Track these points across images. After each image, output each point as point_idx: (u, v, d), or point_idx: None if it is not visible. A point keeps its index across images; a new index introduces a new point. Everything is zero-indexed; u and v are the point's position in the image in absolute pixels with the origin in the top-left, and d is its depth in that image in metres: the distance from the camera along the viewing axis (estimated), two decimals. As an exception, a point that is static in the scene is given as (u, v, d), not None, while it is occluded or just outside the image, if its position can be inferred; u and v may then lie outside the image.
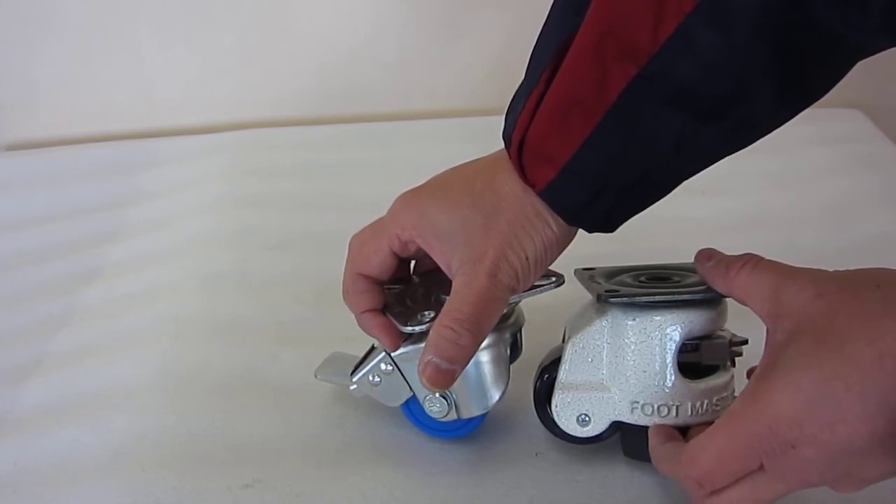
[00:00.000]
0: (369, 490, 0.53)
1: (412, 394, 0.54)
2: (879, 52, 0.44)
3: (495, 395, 0.53)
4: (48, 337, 0.67)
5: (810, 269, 0.43)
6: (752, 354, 0.47)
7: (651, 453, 0.49)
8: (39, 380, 0.63)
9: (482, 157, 0.50)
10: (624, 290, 0.50)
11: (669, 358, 0.49)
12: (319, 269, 0.72)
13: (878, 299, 0.39)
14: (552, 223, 0.47)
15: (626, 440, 0.53)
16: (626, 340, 0.50)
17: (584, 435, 0.52)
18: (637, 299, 0.49)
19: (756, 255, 0.46)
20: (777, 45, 0.41)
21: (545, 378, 0.53)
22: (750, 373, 0.47)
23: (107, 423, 0.58)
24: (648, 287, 0.51)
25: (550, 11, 0.47)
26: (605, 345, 0.51)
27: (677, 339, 0.49)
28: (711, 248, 0.49)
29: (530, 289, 0.51)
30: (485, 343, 0.50)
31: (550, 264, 0.50)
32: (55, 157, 0.94)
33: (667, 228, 0.77)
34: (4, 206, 0.86)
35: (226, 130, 0.97)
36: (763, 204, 0.83)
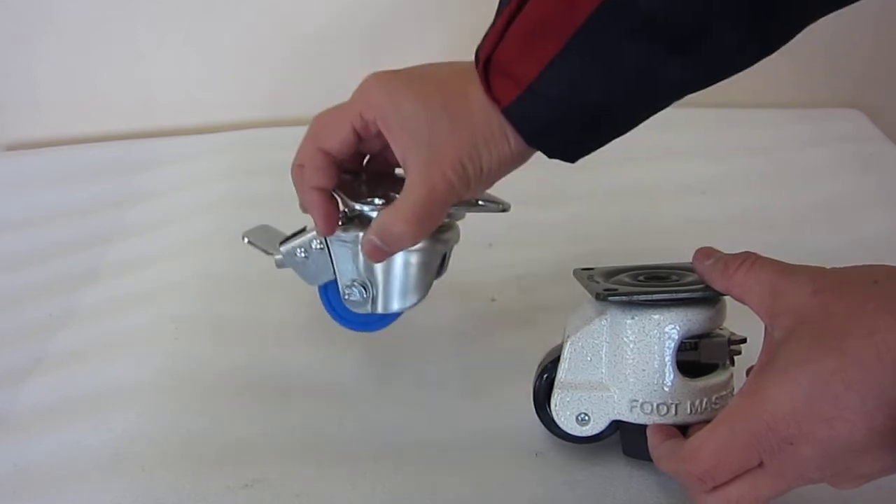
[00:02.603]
0: (369, 490, 0.53)
1: (334, 278, 0.55)
2: (842, 6, 0.44)
3: (413, 299, 0.55)
4: (48, 337, 0.67)
5: (808, 266, 0.44)
6: (752, 353, 0.47)
7: (651, 452, 0.49)
8: (39, 380, 0.63)
9: (461, 62, 0.51)
10: (622, 288, 0.50)
11: (668, 356, 0.49)
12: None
13: (877, 295, 0.39)
14: (511, 140, 0.48)
15: (626, 439, 0.53)
16: (624, 339, 0.50)
17: (584, 434, 0.52)
18: (635, 298, 0.49)
19: (754, 254, 0.46)
20: None
21: (545, 378, 0.53)
22: (749, 371, 0.48)
23: (107, 423, 0.58)
24: (647, 286, 0.51)
25: None
26: (603, 343, 0.51)
27: (676, 337, 0.49)
28: (710, 247, 0.49)
29: (477, 207, 0.53)
30: (418, 246, 0.53)
31: (503, 176, 0.51)
32: (55, 157, 0.94)
33: (667, 228, 0.77)
34: (4, 206, 0.86)
35: (226, 130, 0.97)
36: (763, 204, 0.83)
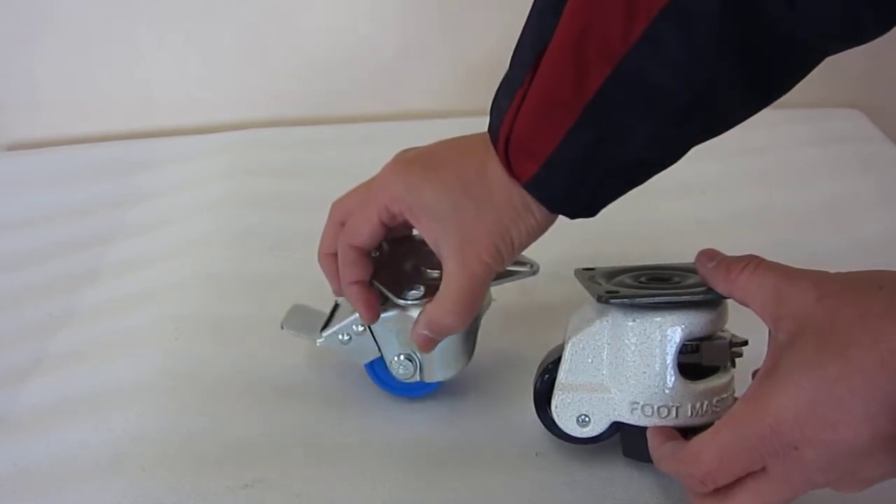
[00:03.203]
0: (369, 490, 0.53)
1: (379, 355, 0.57)
2: (842, 50, 0.45)
3: (459, 366, 0.57)
4: (48, 337, 0.67)
5: (812, 270, 0.44)
6: (753, 354, 0.47)
7: (651, 453, 0.49)
8: (39, 380, 0.63)
9: (471, 137, 0.52)
10: (624, 290, 0.50)
11: (669, 359, 0.49)
12: (319, 269, 0.72)
13: (881, 301, 0.39)
14: (536, 212, 0.49)
15: (626, 440, 0.53)
16: (626, 341, 0.50)
17: (584, 435, 0.52)
18: (637, 300, 0.49)
19: (757, 257, 0.46)
20: (739, 47, 0.43)
21: (545, 378, 0.53)
22: (755, 374, 0.48)
23: (107, 423, 0.58)
24: (649, 288, 0.51)
25: (530, 12, 0.49)
26: (605, 345, 0.51)
27: (677, 340, 0.49)
28: (712, 249, 0.49)
29: (509, 276, 0.55)
30: None
31: (531, 245, 0.52)
32: (55, 157, 0.94)
33: (667, 228, 0.77)
34: (4, 206, 0.86)
35: (226, 130, 0.97)
36: (763, 204, 0.83)
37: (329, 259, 0.55)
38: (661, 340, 0.49)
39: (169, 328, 0.66)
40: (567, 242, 0.73)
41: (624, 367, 0.50)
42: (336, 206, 0.55)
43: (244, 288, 0.71)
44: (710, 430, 0.43)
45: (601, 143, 0.46)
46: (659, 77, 0.43)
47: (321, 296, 0.61)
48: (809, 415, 0.39)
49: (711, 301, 0.49)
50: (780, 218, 0.81)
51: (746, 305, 0.46)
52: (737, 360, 0.52)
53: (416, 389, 0.59)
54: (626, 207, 0.78)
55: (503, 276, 0.55)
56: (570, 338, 0.52)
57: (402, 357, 0.56)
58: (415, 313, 0.53)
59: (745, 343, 0.51)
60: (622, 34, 0.43)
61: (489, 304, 0.59)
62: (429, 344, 0.53)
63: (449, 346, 0.56)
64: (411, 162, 0.52)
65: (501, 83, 0.49)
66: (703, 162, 0.89)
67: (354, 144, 0.95)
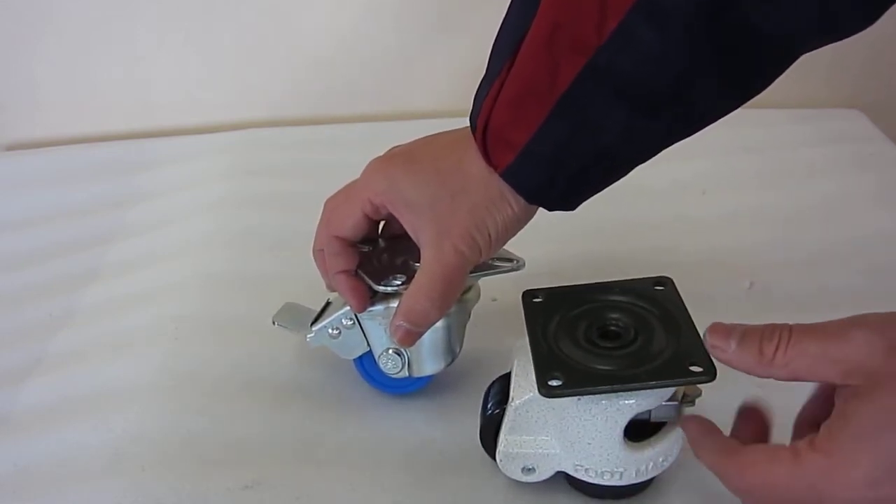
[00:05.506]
0: (369, 491, 0.53)
1: (368, 349, 0.57)
2: (820, 47, 0.45)
3: (447, 360, 0.57)
4: (48, 337, 0.67)
5: (842, 321, 0.41)
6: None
7: (691, 441, 0.46)
8: (39, 380, 0.63)
9: (453, 132, 0.53)
10: (572, 364, 0.47)
11: (616, 435, 0.48)
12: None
13: None
14: (513, 203, 0.50)
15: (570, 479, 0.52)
16: (571, 413, 0.48)
17: (530, 481, 0.52)
18: (583, 390, 0.46)
19: (781, 326, 0.42)
20: (712, 42, 0.43)
21: (490, 415, 0.52)
22: (800, 424, 0.45)
23: (107, 423, 0.58)
24: (596, 355, 0.48)
25: (511, 2, 0.49)
26: (549, 410, 0.49)
27: (625, 420, 0.47)
28: (719, 326, 0.44)
29: (491, 270, 0.55)
30: None
31: (511, 238, 0.52)
32: (55, 157, 0.94)
33: (667, 228, 0.77)
34: (4, 206, 0.86)
35: (226, 130, 0.97)
36: (763, 204, 0.83)
37: (321, 255, 0.56)
38: (607, 420, 0.47)
39: (169, 328, 0.66)
40: (566, 241, 0.74)
41: (569, 434, 0.49)
42: (326, 203, 0.56)
43: (244, 288, 0.71)
44: (766, 455, 0.41)
45: (575, 135, 0.46)
46: (632, 71, 0.44)
47: (320, 295, 0.61)
48: (887, 477, 0.37)
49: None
50: (779, 218, 0.81)
51: (795, 380, 0.42)
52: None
53: (406, 385, 0.59)
54: (626, 206, 0.78)
55: (486, 269, 0.55)
56: (513, 399, 0.51)
57: (390, 351, 0.56)
58: None
59: (699, 395, 0.49)
60: (596, 27, 0.43)
61: (478, 297, 0.59)
62: (407, 337, 0.52)
63: (435, 338, 0.56)
64: (394, 157, 0.53)
65: (483, 76, 0.50)
66: (703, 162, 0.89)
67: (354, 144, 0.94)
